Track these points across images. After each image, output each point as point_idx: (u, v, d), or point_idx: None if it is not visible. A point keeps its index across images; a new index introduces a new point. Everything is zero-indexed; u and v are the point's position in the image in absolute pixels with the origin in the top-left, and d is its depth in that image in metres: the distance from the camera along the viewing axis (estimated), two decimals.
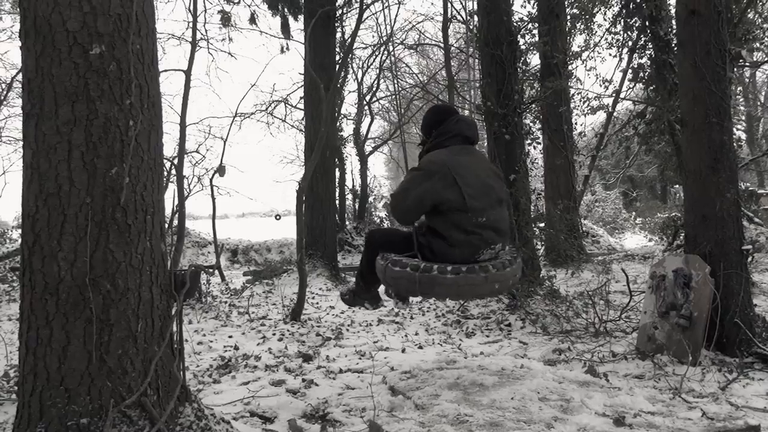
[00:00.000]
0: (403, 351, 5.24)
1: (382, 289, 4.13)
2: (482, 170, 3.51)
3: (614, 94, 12.02)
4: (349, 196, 17.98)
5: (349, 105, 18.63)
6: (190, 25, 6.32)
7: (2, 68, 13.54)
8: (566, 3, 11.51)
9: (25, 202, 2.64)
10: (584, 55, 11.60)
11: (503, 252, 3.57)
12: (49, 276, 2.55)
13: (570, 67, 11.53)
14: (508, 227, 3.60)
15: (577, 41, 18.83)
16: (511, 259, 3.55)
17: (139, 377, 2.68)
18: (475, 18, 8.72)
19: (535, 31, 10.02)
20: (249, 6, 12.54)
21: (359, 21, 8.54)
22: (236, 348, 5.34)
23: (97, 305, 2.57)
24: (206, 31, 11.65)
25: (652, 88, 10.02)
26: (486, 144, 8.45)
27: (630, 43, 10.58)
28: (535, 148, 9.27)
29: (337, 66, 10.69)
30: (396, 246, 3.64)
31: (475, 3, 8.58)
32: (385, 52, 15.66)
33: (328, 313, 7.35)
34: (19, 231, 5.31)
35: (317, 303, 8.14)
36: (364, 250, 3.92)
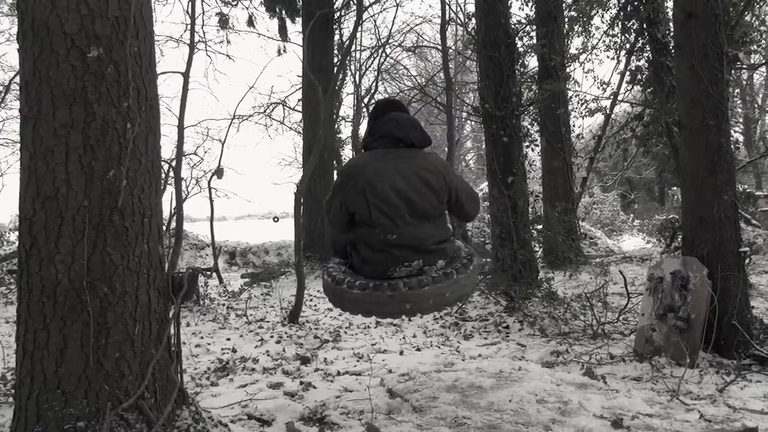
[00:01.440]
0: (401, 353, 5.24)
1: None
2: (408, 178, 2.98)
3: (612, 97, 12.04)
4: None
5: (347, 107, 18.68)
6: (188, 27, 6.32)
7: (0, 70, 13.54)
8: (564, 5, 11.53)
9: (22, 204, 2.64)
10: (582, 57, 11.62)
11: (430, 268, 3.07)
12: (47, 279, 2.54)
13: (568, 70, 11.55)
14: (432, 243, 3.06)
15: (575, 43, 18.89)
16: (438, 277, 3.04)
17: (136, 380, 2.68)
18: (473, 20, 8.74)
19: (533, 34, 10.06)
20: (247, 8, 12.56)
21: (357, 23, 8.53)
22: (234, 350, 5.33)
23: (95, 308, 2.56)
24: (204, 33, 11.68)
25: (649, 90, 10.05)
26: (484, 146, 8.46)
27: (628, 46, 10.61)
28: (533, 150, 9.29)
29: (336, 68, 10.69)
30: (343, 252, 3.38)
31: (473, 5, 8.58)
32: (383, 55, 15.67)
33: (326, 316, 7.34)
34: (17, 233, 5.31)
35: (315, 305, 8.13)
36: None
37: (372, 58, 16.44)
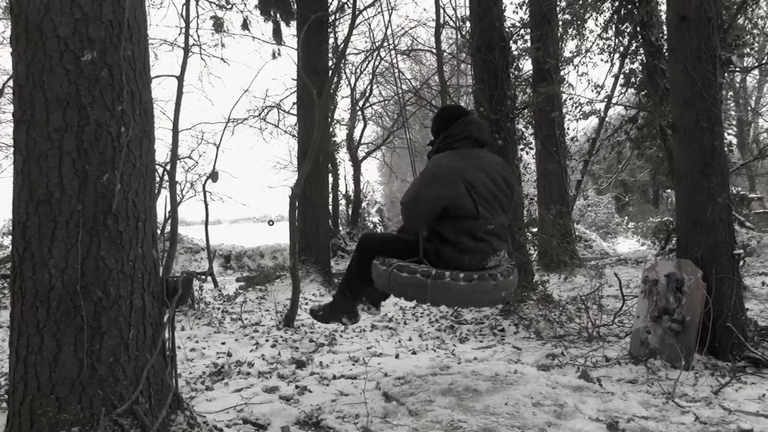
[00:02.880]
0: (397, 357, 5.24)
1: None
2: (491, 176, 3.37)
3: (606, 100, 12.07)
4: (343, 202, 17.98)
5: (342, 110, 18.65)
6: (183, 30, 6.31)
7: None
8: (558, 9, 11.57)
9: (15, 209, 2.62)
10: (576, 60, 11.65)
11: (505, 259, 3.49)
12: (40, 283, 2.53)
13: (562, 73, 11.58)
14: (508, 234, 3.55)
15: (569, 47, 18.91)
16: (511, 267, 3.50)
17: (130, 385, 2.66)
18: (468, 24, 8.75)
19: (527, 37, 10.09)
20: (242, 12, 12.58)
21: (352, 27, 8.55)
22: (229, 355, 5.31)
23: (89, 313, 2.56)
24: (199, 36, 11.62)
25: (643, 93, 10.08)
26: None
27: (621, 49, 10.64)
28: (527, 153, 9.30)
29: (330, 71, 10.69)
30: (396, 251, 3.46)
31: (468, 9, 8.60)
32: (378, 58, 15.69)
33: None
34: (10, 238, 5.27)
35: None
36: (356, 256, 3.72)
37: (367, 62, 16.49)
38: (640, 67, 9.92)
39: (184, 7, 5.63)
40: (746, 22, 10.01)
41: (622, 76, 10.74)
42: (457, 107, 3.89)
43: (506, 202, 3.46)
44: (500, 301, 3.64)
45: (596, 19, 11.15)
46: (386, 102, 19.43)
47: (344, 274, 3.92)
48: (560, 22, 11.66)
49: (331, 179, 15.30)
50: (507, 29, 8.11)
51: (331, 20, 12.18)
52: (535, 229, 9.70)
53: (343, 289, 3.86)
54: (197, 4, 8.58)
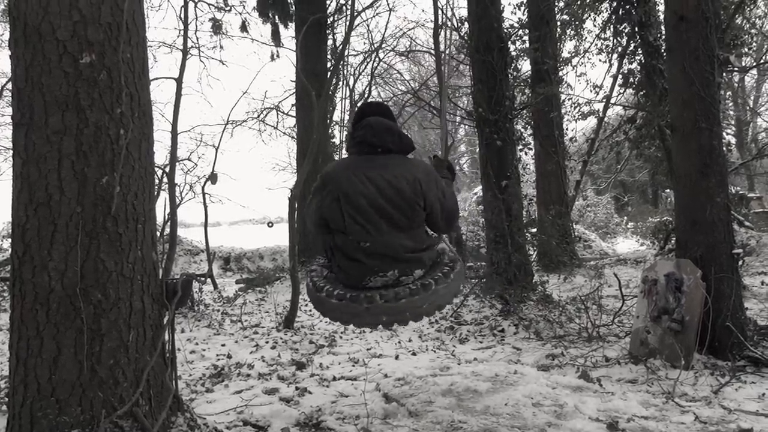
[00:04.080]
0: (397, 358, 5.24)
1: None
2: (380, 186, 2.86)
3: (605, 100, 12.06)
4: None
5: (341, 112, 18.65)
6: (181, 33, 6.31)
7: None
8: (556, 9, 11.57)
9: (15, 211, 2.63)
10: (574, 60, 11.66)
11: (407, 278, 2.97)
12: (40, 286, 2.53)
13: (560, 73, 11.58)
14: (407, 252, 2.95)
15: (568, 47, 18.96)
16: (415, 289, 2.94)
17: (130, 387, 2.67)
18: (466, 25, 8.76)
19: (526, 38, 10.09)
20: (240, 14, 12.57)
21: (350, 28, 8.56)
22: (229, 356, 5.31)
23: (88, 315, 2.56)
24: (197, 39, 11.66)
25: (642, 93, 10.08)
26: (478, 150, 8.47)
27: (620, 49, 10.64)
28: (526, 153, 9.32)
29: (329, 73, 10.70)
30: (324, 252, 3.29)
31: (466, 10, 8.60)
32: (377, 59, 15.69)
33: (321, 321, 7.32)
34: (9, 241, 5.27)
35: (310, 310, 8.10)
36: None
37: (365, 63, 16.49)
38: (639, 67, 9.92)
39: (183, 9, 5.63)
40: (744, 21, 10.02)
41: (620, 76, 10.74)
42: (366, 106, 3.35)
43: (402, 218, 2.89)
44: (384, 324, 3.08)
45: (594, 20, 11.17)
46: (385, 103, 19.42)
47: None
48: (558, 23, 11.66)
49: None
50: (505, 30, 8.12)
51: (329, 22, 12.19)
52: (535, 230, 9.71)
53: None
54: (196, 7, 8.58)
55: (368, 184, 2.86)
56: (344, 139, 3.39)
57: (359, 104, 3.53)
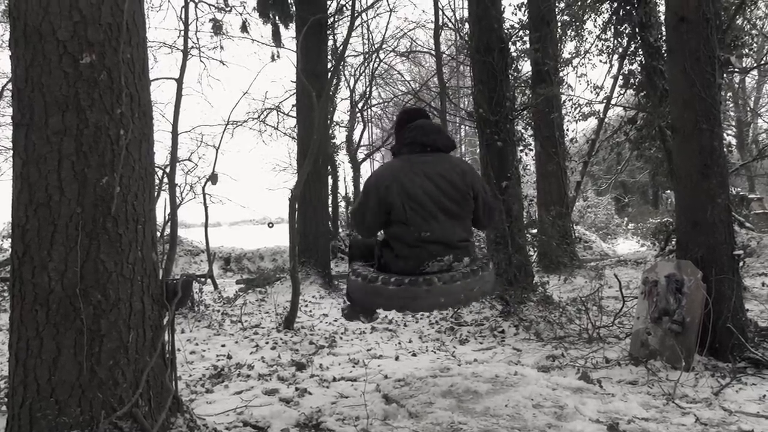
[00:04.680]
0: (397, 359, 5.23)
1: None
2: (435, 181, 3.22)
3: (605, 101, 12.06)
4: (342, 204, 17.97)
5: (341, 112, 18.69)
6: (182, 33, 6.31)
7: None
8: (557, 10, 11.56)
9: (15, 212, 2.62)
10: (575, 61, 11.65)
11: (459, 264, 3.29)
12: (40, 286, 2.53)
13: (561, 74, 11.57)
14: (459, 240, 3.29)
15: (568, 48, 18.93)
16: (467, 272, 3.26)
17: (130, 388, 2.66)
18: (467, 25, 8.76)
19: (526, 38, 10.09)
20: (240, 14, 12.57)
21: (351, 29, 8.55)
22: (229, 357, 5.31)
23: (88, 316, 2.55)
24: (198, 39, 11.65)
25: (642, 94, 10.07)
26: (479, 150, 8.47)
27: (620, 50, 10.63)
28: (527, 154, 9.30)
29: (329, 73, 10.69)
30: (366, 256, 3.55)
31: (467, 11, 8.61)
32: (377, 60, 15.70)
33: (321, 321, 7.33)
34: (9, 241, 5.26)
35: (310, 311, 8.11)
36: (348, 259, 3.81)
37: (366, 64, 16.50)
38: (639, 68, 9.91)
39: (183, 9, 5.64)
40: (745, 22, 10.01)
41: (621, 77, 10.73)
42: (411, 111, 3.76)
43: (454, 208, 3.25)
44: (440, 306, 3.45)
45: (595, 21, 11.15)
46: (385, 104, 19.44)
47: None
48: (559, 24, 11.66)
49: (330, 181, 15.28)
50: (506, 31, 8.10)
51: (330, 22, 12.19)
52: (535, 231, 9.70)
53: (347, 291, 3.92)
54: (196, 7, 8.58)
55: (424, 178, 3.21)
56: (390, 141, 3.63)
57: (400, 111, 3.92)
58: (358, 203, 3.40)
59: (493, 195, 3.61)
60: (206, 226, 12.35)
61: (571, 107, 11.94)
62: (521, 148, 8.71)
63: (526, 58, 9.93)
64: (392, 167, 3.31)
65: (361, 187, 3.48)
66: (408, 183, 3.18)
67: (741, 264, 5.33)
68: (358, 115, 17.81)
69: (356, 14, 9.09)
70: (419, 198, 3.18)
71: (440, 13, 10.62)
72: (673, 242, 9.18)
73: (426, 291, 3.18)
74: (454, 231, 3.26)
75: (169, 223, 7.97)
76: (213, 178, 11.39)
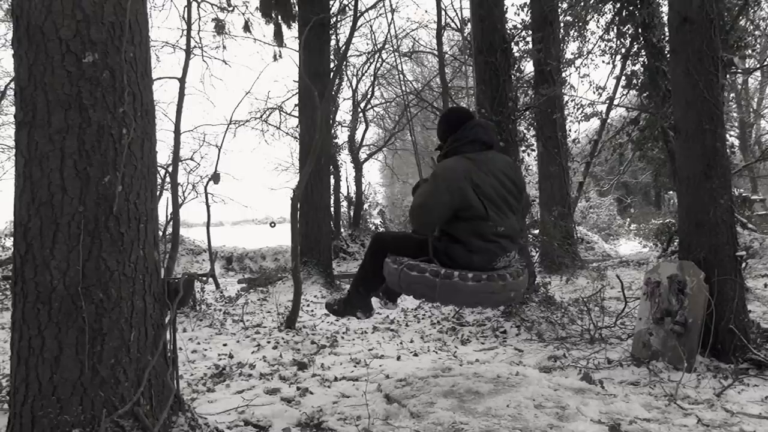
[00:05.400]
0: (399, 358, 5.23)
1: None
2: (499, 178, 3.40)
3: (608, 101, 12.04)
4: (344, 204, 17.98)
5: (343, 112, 18.65)
6: (184, 32, 6.32)
7: None
8: (559, 10, 11.55)
9: (17, 210, 2.63)
10: (578, 62, 11.63)
11: (515, 260, 3.53)
12: (42, 285, 2.53)
13: (564, 74, 11.55)
14: (519, 235, 3.57)
15: (571, 48, 18.86)
16: (521, 268, 3.53)
17: (132, 387, 2.66)
18: (469, 25, 8.75)
19: (529, 39, 10.06)
20: (243, 14, 12.55)
21: (353, 28, 8.55)
22: (231, 356, 5.31)
23: (90, 314, 2.55)
24: (200, 38, 11.63)
25: (645, 94, 10.06)
26: None
27: (623, 50, 10.62)
28: (529, 155, 9.30)
29: (332, 73, 10.69)
30: (407, 250, 3.51)
31: (469, 11, 8.60)
32: (380, 60, 15.69)
33: (323, 321, 7.32)
34: (12, 240, 5.28)
35: (312, 311, 8.11)
36: (369, 253, 3.75)
37: (368, 63, 16.49)
38: (642, 69, 9.90)
39: (186, 9, 5.65)
40: (748, 23, 9.98)
41: (623, 77, 10.72)
42: (462, 110, 3.91)
43: (515, 203, 3.49)
44: (509, 301, 3.66)
45: (598, 21, 11.14)
46: (388, 104, 19.44)
47: (357, 271, 4.01)
48: (562, 24, 11.64)
49: (332, 181, 15.27)
50: (508, 31, 8.10)
51: (332, 22, 12.19)
52: (537, 231, 9.70)
53: (357, 284, 3.93)
54: (199, 7, 8.58)
55: (492, 176, 3.38)
56: (450, 140, 3.60)
57: (446, 110, 4.02)
58: (424, 199, 3.38)
59: None
60: (208, 225, 12.35)
61: (574, 108, 11.93)
62: (523, 148, 8.70)
63: (528, 59, 9.93)
64: (460, 165, 3.37)
65: (427, 184, 3.48)
66: (481, 179, 3.31)
67: (743, 265, 5.32)
68: (361, 115, 17.82)
69: (359, 14, 9.07)
70: (490, 194, 3.33)
71: (443, 13, 10.61)
72: (675, 243, 9.15)
73: (502, 286, 3.34)
74: (516, 225, 3.50)
75: (171, 222, 7.98)
76: (215, 177, 11.39)
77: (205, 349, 5.59)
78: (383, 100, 19.30)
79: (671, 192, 16.17)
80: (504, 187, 3.41)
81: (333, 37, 13.13)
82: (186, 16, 5.81)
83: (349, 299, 3.98)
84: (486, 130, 3.56)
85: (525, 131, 9.29)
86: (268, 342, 5.93)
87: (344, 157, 17.49)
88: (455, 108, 4.57)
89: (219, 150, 11.85)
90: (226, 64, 11.79)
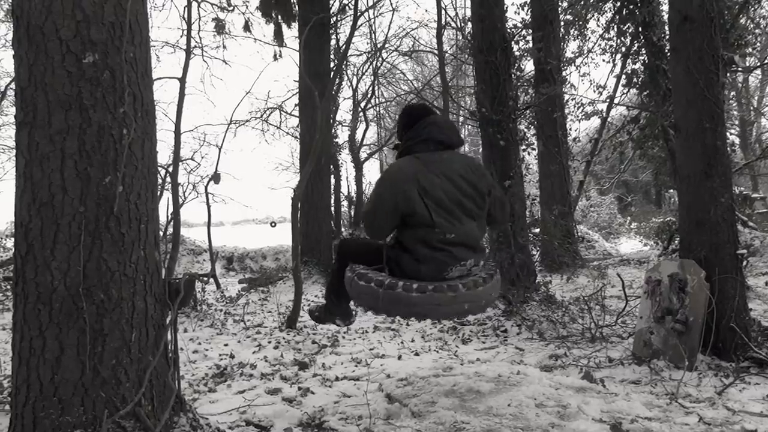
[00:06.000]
0: (400, 358, 5.23)
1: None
2: (454, 181, 3.09)
3: (608, 100, 12.05)
4: (345, 203, 17.96)
5: (344, 112, 18.66)
6: (185, 32, 6.32)
7: None
8: (560, 9, 11.55)
9: (18, 211, 2.63)
10: (578, 60, 11.64)
11: (477, 268, 3.20)
12: (43, 286, 2.53)
13: (564, 73, 11.57)
14: (479, 242, 3.23)
15: (571, 47, 18.93)
16: (486, 277, 3.18)
17: (133, 387, 2.66)
18: (469, 25, 8.75)
19: (529, 38, 10.06)
20: (243, 14, 12.55)
21: (353, 28, 8.55)
22: (232, 356, 5.31)
23: (91, 315, 2.55)
24: (200, 38, 11.62)
25: (645, 93, 10.06)
26: (481, 150, 8.46)
27: (623, 49, 10.62)
28: (529, 154, 9.29)
29: (332, 73, 10.69)
30: (366, 258, 3.30)
31: (469, 10, 8.60)
32: (380, 59, 15.69)
33: None
34: (12, 240, 5.29)
35: None
36: (334, 262, 3.58)
37: (368, 63, 16.49)
38: (642, 68, 9.90)
39: (186, 9, 5.65)
40: (748, 21, 9.98)
41: (624, 76, 10.73)
42: (419, 106, 3.55)
43: (474, 208, 3.15)
44: (465, 313, 3.27)
45: (598, 20, 11.15)
46: (388, 103, 19.43)
47: (328, 280, 3.81)
48: (562, 23, 11.65)
49: (333, 181, 15.27)
50: (509, 30, 8.10)
51: (332, 22, 12.19)
52: (537, 230, 9.70)
53: (328, 292, 3.77)
54: (199, 7, 8.59)
55: (444, 178, 3.07)
56: (404, 139, 3.38)
57: (404, 108, 3.64)
58: (371, 204, 3.20)
59: (501, 187, 3.45)
60: (209, 225, 12.34)
61: (574, 106, 11.94)
62: (524, 147, 8.70)
63: (528, 58, 9.92)
64: (408, 167, 3.12)
65: (371, 188, 3.30)
66: (427, 183, 3.03)
67: (744, 263, 5.31)
68: (361, 114, 17.81)
69: (359, 14, 9.07)
70: (440, 198, 3.04)
71: (443, 12, 10.61)
72: (676, 242, 9.15)
73: (452, 297, 3.03)
74: (474, 232, 3.17)
75: (171, 223, 7.99)
76: (216, 177, 11.38)
77: (206, 350, 5.59)
78: (383, 100, 19.29)
79: (672, 190, 16.17)
80: (460, 190, 3.09)
81: (333, 36, 13.11)
82: (186, 16, 5.81)
83: (327, 306, 3.83)
84: (441, 129, 3.24)
85: (525, 130, 9.29)
86: (269, 342, 5.93)
87: (344, 157, 17.46)
88: (412, 104, 4.13)
89: (219, 150, 11.85)
90: (226, 63, 11.79)
